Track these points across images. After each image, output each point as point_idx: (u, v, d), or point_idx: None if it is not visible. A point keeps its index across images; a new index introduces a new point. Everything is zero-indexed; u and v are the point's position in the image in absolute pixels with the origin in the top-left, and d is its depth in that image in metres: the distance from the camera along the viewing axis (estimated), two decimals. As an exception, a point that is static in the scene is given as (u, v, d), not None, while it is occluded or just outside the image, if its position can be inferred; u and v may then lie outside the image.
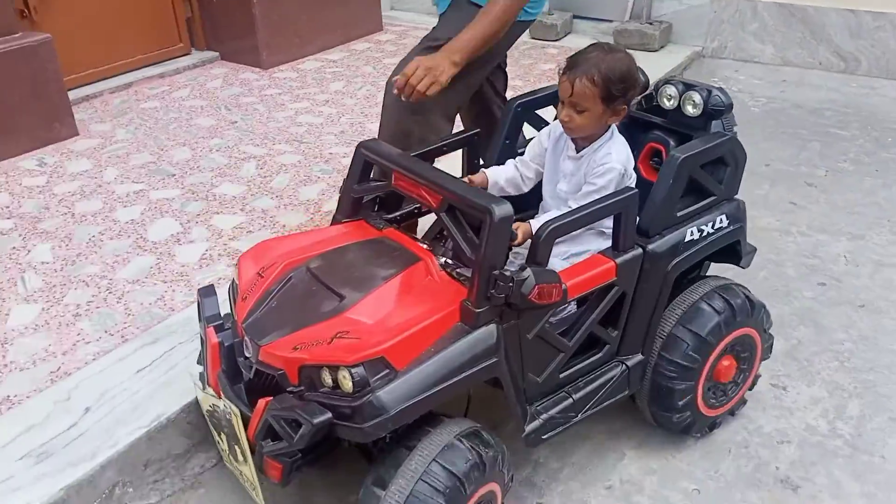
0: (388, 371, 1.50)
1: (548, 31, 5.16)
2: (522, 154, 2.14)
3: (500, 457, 1.66)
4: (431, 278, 1.69)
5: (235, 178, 3.27)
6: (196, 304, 1.87)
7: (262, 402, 1.55)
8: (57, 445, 1.91)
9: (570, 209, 1.78)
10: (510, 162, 2.08)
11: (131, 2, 4.31)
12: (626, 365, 1.88)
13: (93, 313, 2.42)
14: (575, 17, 5.35)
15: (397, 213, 2.01)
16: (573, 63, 1.84)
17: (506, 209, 1.56)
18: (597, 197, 1.78)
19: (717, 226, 1.90)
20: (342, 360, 1.48)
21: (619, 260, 1.76)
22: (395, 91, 2.12)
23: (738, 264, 2.04)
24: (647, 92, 2.11)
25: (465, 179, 1.97)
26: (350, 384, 1.47)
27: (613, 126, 1.91)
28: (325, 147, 3.56)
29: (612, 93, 1.78)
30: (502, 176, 2.03)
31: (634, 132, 2.12)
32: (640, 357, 1.90)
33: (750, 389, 2.14)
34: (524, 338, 1.68)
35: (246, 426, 1.60)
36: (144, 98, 4.12)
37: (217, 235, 2.85)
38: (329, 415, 1.45)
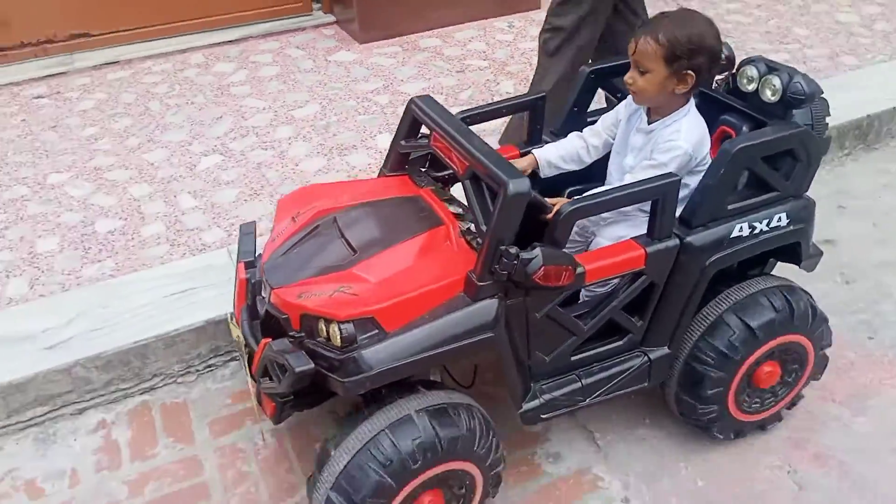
0: (377, 331, 1.52)
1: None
2: (591, 124, 2.05)
3: (476, 437, 1.61)
4: (449, 244, 1.67)
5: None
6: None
7: (263, 343, 1.62)
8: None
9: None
10: (572, 134, 2.00)
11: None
12: (648, 356, 1.79)
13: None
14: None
15: (444, 173, 1.99)
16: (646, 22, 1.75)
17: (522, 184, 1.50)
18: (655, 174, 1.68)
19: (772, 224, 1.74)
20: (334, 315, 1.51)
21: (650, 249, 1.66)
22: None
23: (798, 265, 1.86)
24: (731, 71, 1.94)
25: None
26: (339, 339, 1.51)
27: (691, 103, 1.79)
28: (748, 42, 3.84)
29: (676, 54, 1.67)
30: (555, 153, 1.95)
31: (711, 113, 1.95)
32: (665, 350, 1.80)
33: (789, 408, 1.99)
34: (532, 316, 1.63)
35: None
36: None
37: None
38: (311, 365, 1.49)
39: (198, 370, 2.26)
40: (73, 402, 2.15)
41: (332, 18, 4.26)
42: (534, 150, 1.98)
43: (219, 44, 4.01)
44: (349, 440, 1.54)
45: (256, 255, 1.83)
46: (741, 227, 1.71)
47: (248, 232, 1.90)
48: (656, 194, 1.63)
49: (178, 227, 2.68)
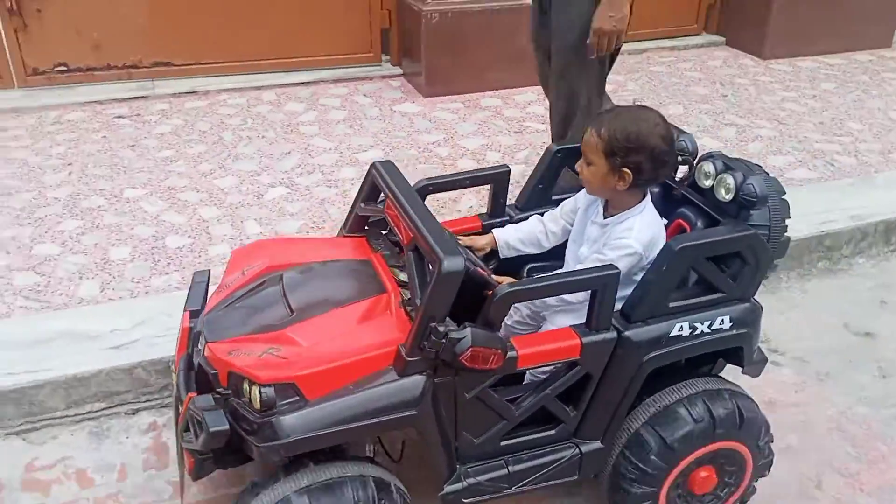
0: (297, 398, 1.51)
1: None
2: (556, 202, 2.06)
3: None
4: (388, 313, 1.67)
5: (716, 137, 3.82)
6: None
7: (188, 396, 1.61)
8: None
9: None
10: (534, 217, 2.01)
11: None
12: (580, 449, 1.76)
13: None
14: None
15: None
16: (599, 114, 1.80)
17: (456, 263, 1.51)
18: None
19: (714, 326, 1.72)
20: (256, 377, 1.51)
21: (585, 339, 1.65)
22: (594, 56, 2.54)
23: (742, 370, 1.84)
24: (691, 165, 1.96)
25: (468, 241, 1.93)
26: (258, 402, 1.50)
27: (647, 201, 1.80)
28: (801, 131, 3.95)
29: (613, 150, 1.69)
30: (514, 236, 1.97)
31: (670, 204, 1.97)
32: (598, 445, 1.77)
33: (743, 503, 1.94)
34: (461, 396, 1.62)
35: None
36: (654, 63, 4.89)
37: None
38: (226, 426, 1.48)
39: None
40: (129, 401, 2.28)
41: (399, 71, 4.55)
42: (494, 231, 1.99)
43: (291, 84, 4.32)
44: (269, 492, 1.53)
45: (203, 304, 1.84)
46: (681, 327, 1.69)
47: (199, 281, 1.91)
48: (595, 285, 1.62)
49: (242, 250, 2.89)
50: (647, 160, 1.69)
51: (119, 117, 3.87)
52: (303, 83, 4.33)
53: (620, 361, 1.68)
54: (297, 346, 1.58)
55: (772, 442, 1.86)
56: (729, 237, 1.69)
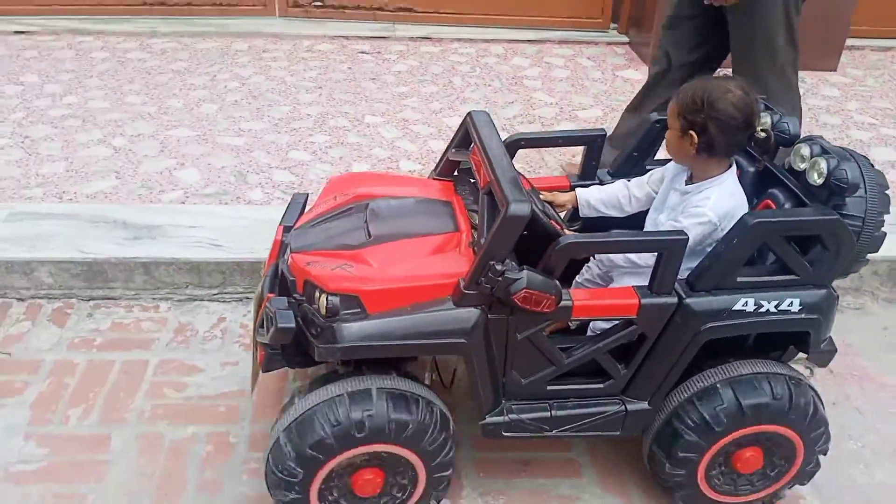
0: (359, 311, 1.63)
1: None
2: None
3: (427, 430, 1.68)
4: (457, 250, 1.76)
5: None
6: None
7: (267, 297, 1.78)
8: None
9: None
10: (620, 181, 2.03)
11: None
12: (625, 407, 1.79)
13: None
14: None
15: (489, 184, 2.07)
16: None
17: (522, 208, 1.57)
18: None
19: (782, 307, 1.69)
20: (325, 286, 1.65)
21: (644, 301, 1.67)
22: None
23: (807, 356, 1.80)
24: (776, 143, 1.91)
25: (550, 196, 1.99)
26: (324, 308, 1.64)
27: (730, 173, 1.79)
28: None
29: (682, 111, 1.72)
30: (596, 196, 2.00)
31: (762, 185, 1.93)
32: (644, 405, 1.79)
33: (789, 486, 1.91)
34: (512, 335, 1.69)
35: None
36: (906, 61, 4.76)
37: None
38: (292, 325, 1.63)
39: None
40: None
41: (625, 39, 4.74)
42: (577, 189, 2.03)
43: (518, 41, 4.67)
44: (312, 395, 1.68)
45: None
46: (746, 302, 1.67)
47: (297, 201, 2.08)
48: (660, 248, 1.64)
49: (464, 182, 3.26)
50: (713, 124, 1.69)
51: (362, 52, 4.40)
52: (529, 41, 4.62)
53: (677, 328, 1.69)
54: (368, 266, 1.71)
55: (829, 439, 1.81)
56: (807, 219, 1.65)
